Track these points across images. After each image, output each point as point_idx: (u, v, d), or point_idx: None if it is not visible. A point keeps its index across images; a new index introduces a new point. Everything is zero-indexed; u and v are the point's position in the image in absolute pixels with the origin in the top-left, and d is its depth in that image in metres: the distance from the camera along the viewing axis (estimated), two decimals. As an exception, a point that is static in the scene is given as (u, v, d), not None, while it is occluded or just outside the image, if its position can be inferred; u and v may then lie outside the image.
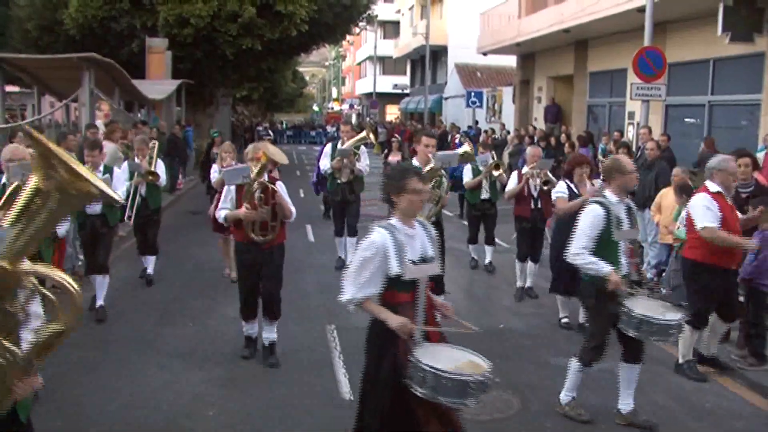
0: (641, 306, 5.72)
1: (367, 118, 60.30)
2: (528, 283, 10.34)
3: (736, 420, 6.32)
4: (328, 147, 11.92)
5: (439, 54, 46.62)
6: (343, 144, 11.40)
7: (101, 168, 8.92)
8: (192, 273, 11.55)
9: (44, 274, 2.84)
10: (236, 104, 53.55)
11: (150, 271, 10.88)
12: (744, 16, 14.06)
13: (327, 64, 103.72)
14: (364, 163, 11.42)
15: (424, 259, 4.48)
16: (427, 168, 7.98)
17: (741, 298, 7.63)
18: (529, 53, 28.50)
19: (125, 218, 10.22)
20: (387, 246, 4.36)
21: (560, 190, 8.71)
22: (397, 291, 4.41)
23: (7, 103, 21.67)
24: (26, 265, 2.81)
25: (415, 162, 8.33)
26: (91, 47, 20.95)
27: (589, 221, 5.90)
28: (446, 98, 43.81)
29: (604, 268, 5.72)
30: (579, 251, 5.87)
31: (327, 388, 6.81)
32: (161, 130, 20.94)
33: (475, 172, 11.60)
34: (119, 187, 9.30)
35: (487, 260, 11.94)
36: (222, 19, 25.31)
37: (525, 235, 10.25)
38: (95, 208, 8.84)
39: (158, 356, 7.56)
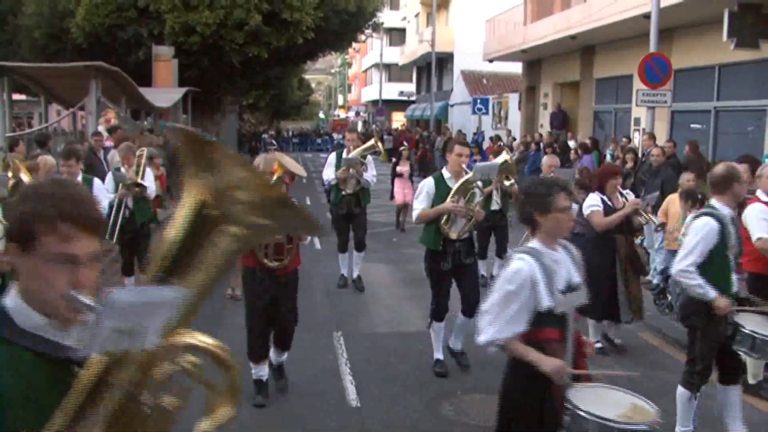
0: (750, 322, 5.39)
1: (373, 126, 60.44)
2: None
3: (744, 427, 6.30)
4: (333, 156, 11.00)
5: (444, 61, 46.64)
6: (349, 153, 10.61)
7: (79, 178, 8.19)
8: (199, 281, 11.55)
9: (193, 346, 1.97)
10: (243, 112, 53.71)
11: None
12: (749, 23, 14.07)
13: (333, 71, 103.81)
14: (370, 174, 10.66)
15: (570, 287, 3.88)
16: (462, 180, 7.20)
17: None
18: (535, 60, 28.52)
19: (107, 236, 8.85)
20: (535, 275, 3.76)
21: (594, 203, 7.98)
22: (545, 327, 3.80)
23: (14, 111, 21.79)
24: (181, 336, 1.93)
25: (445, 172, 7.43)
26: (98, 55, 21.11)
27: (702, 235, 5.46)
28: (452, 105, 43.81)
29: (711, 292, 5.37)
30: (688, 269, 5.46)
31: (334, 395, 6.82)
32: (166, 138, 21.04)
33: (485, 181, 10.58)
34: (101, 201, 8.08)
35: (495, 271, 10.97)
36: (228, 27, 25.45)
37: None
38: None
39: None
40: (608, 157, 17.09)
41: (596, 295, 7.66)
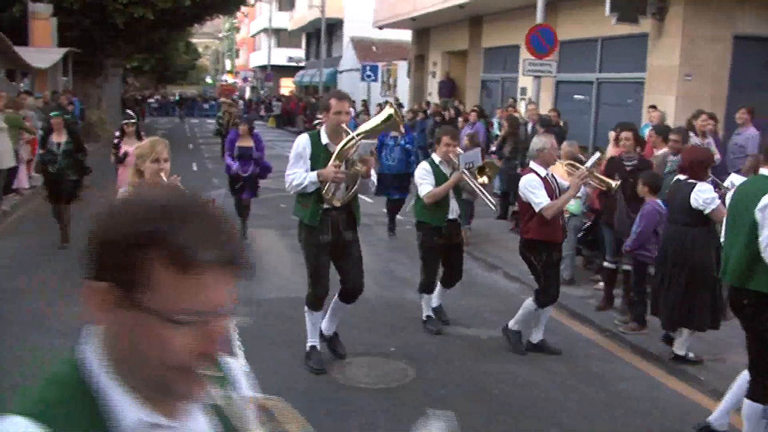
0: None
1: (261, 92, 59.70)
2: (541, 336, 7.36)
3: (621, 381, 6.64)
4: (304, 141, 6.41)
5: (334, 27, 46.40)
6: (338, 137, 6.28)
7: None
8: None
9: None
10: (127, 75, 52.07)
11: None
12: (630, -1, 14.61)
13: (221, 35, 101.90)
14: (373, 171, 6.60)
15: None
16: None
17: (627, 267, 7.99)
18: (425, 28, 28.68)
19: None
20: None
21: (712, 194, 6.47)
22: None
23: None
24: None
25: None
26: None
27: None
28: (341, 72, 43.69)
29: None
30: None
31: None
32: (45, 100, 20.19)
33: (438, 174, 7.59)
34: None
35: (436, 303, 8.09)
36: (112, -14, 24.57)
37: (555, 268, 7.21)
38: None
39: (52, 335, 7.30)
40: (495, 126, 17.40)
41: (710, 300, 6.59)
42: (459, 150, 7.68)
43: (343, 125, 6.26)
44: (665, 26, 14.83)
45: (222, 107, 28.05)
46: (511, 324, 7.27)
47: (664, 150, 9.20)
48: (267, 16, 58.17)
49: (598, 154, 7.63)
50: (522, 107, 18.41)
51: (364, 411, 5.77)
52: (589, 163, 7.16)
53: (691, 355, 6.92)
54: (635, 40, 16.01)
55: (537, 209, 6.78)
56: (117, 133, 11.27)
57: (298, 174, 6.24)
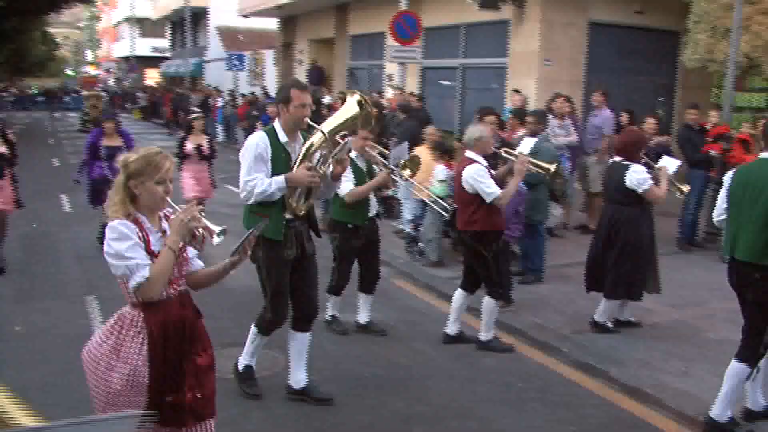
0: None
1: (125, 82, 57.99)
2: (493, 334, 7.14)
3: (486, 357, 6.85)
4: (263, 141, 5.26)
5: (199, 16, 45.49)
6: (293, 129, 5.32)
7: None
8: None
9: None
10: (-23, 68, 49.53)
11: None
12: (493, -16, 15.01)
13: (80, 25, 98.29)
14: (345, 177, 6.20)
15: None
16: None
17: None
18: (291, 16, 28.58)
19: None
20: None
21: (644, 175, 6.93)
22: None
23: None
24: None
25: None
26: None
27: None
28: (208, 61, 42.96)
29: None
30: None
31: (89, 360, 6.55)
32: None
33: (356, 170, 6.95)
34: None
35: (365, 318, 7.52)
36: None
37: (496, 261, 6.89)
38: None
39: None
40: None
41: (645, 273, 7.32)
42: (372, 144, 7.07)
43: (307, 119, 5.21)
44: (525, 12, 15.31)
45: (89, 100, 26.91)
46: (482, 337, 7.04)
47: (522, 132, 9.52)
48: (129, 4, 56.49)
49: (535, 140, 7.94)
50: (389, 94, 18.61)
51: (237, 401, 5.72)
52: (526, 150, 7.32)
53: (610, 324, 7.38)
54: (497, 26, 16.43)
55: (489, 199, 6.53)
56: None
57: (260, 179, 5.17)
